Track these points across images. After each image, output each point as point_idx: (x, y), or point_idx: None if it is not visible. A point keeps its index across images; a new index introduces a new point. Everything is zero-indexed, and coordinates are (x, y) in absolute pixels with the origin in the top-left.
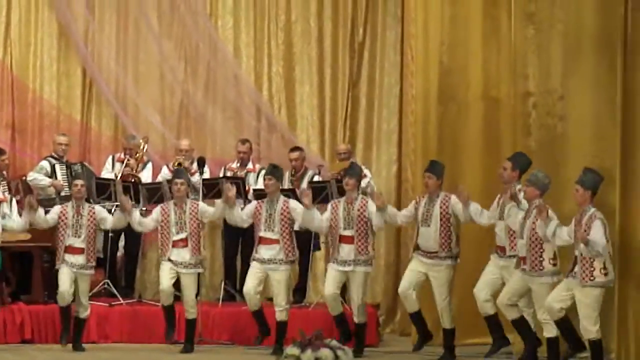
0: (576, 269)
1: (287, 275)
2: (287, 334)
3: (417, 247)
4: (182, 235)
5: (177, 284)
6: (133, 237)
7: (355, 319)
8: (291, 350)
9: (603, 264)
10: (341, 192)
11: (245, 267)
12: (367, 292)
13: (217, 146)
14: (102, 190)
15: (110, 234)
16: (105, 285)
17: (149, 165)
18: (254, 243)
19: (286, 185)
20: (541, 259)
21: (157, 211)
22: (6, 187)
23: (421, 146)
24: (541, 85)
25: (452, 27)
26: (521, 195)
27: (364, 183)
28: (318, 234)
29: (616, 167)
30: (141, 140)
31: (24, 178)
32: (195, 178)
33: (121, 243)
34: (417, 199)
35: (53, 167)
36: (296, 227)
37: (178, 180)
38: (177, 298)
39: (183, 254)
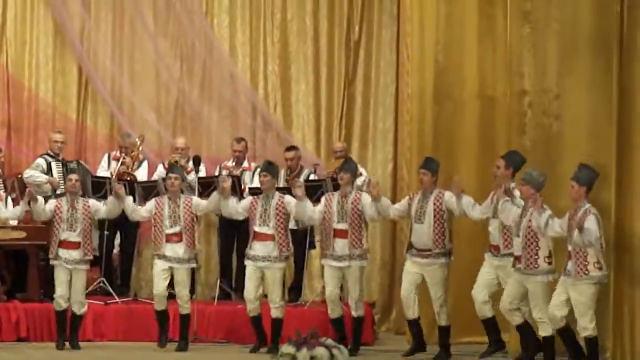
0: (569, 265)
1: (281, 273)
2: (282, 332)
3: (410, 247)
4: (176, 229)
5: (170, 282)
6: (129, 235)
7: (354, 313)
8: (287, 348)
9: (597, 258)
10: (337, 191)
11: (241, 264)
12: (363, 287)
13: (213, 145)
14: (97, 189)
15: (105, 232)
16: (101, 284)
17: (145, 163)
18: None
19: (281, 184)
20: (536, 257)
21: (151, 203)
22: (2, 185)
23: (417, 145)
24: (537, 84)
25: (447, 25)
26: (515, 194)
27: (359, 181)
28: (313, 232)
29: (612, 165)
30: (137, 139)
31: (19, 176)
32: (191, 176)
33: (117, 241)
34: (411, 195)
35: (49, 164)
36: (291, 224)
37: (172, 175)
38: (172, 296)
39: (177, 249)
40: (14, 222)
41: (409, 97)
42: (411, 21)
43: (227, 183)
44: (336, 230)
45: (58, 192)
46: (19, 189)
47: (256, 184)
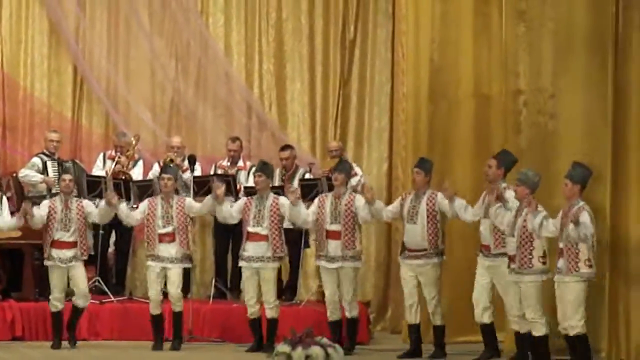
0: (560, 263)
1: (275, 273)
2: (278, 331)
3: (403, 248)
4: (169, 229)
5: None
6: (124, 234)
7: (348, 314)
8: (282, 347)
9: (588, 255)
10: (332, 190)
11: (236, 264)
12: (357, 288)
13: (208, 144)
14: (92, 188)
15: (101, 232)
16: (96, 283)
17: (140, 162)
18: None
19: (277, 183)
20: (530, 256)
21: (144, 204)
22: None
23: (412, 144)
24: (532, 83)
25: (443, 24)
26: (507, 194)
27: (354, 181)
28: (308, 231)
29: (607, 165)
30: (132, 138)
31: (14, 175)
32: (187, 175)
33: (112, 240)
34: (403, 196)
35: (45, 163)
36: (286, 223)
37: (165, 176)
38: (166, 295)
39: (169, 249)
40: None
41: (404, 96)
42: (406, 20)
43: (221, 189)
44: (329, 232)
45: (53, 191)
46: (14, 188)
47: (251, 183)
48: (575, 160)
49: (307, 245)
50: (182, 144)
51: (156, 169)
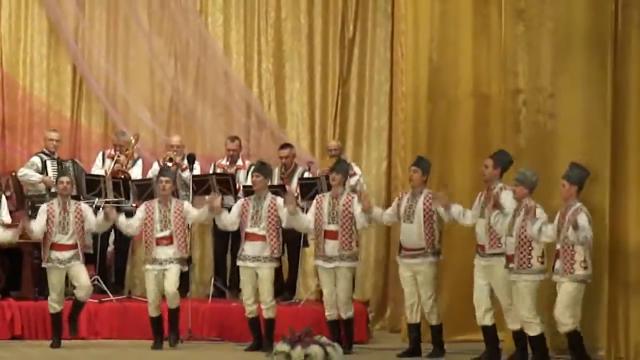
0: (557, 264)
1: (272, 273)
2: (275, 330)
3: (400, 248)
4: (166, 233)
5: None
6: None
7: (343, 315)
8: (281, 347)
9: (584, 257)
10: (331, 189)
11: (235, 263)
12: (353, 288)
13: (207, 143)
14: (92, 187)
15: None
16: (95, 282)
17: (139, 162)
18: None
19: (276, 182)
20: (529, 256)
21: (141, 209)
22: None
23: (411, 143)
24: (531, 82)
25: (442, 24)
26: (503, 195)
27: (353, 180)
28: None
29: (606, 165)
30: (131, 137)
31: (14, 174)
32: (186, 174)
33: (111, 239)
34: (400, 196)
35: (44, 163)
36: (284, 225)
37: (163, 179)
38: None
39: (167, 251)
40: (8, 220)
41: (404, 95)
42: (405, 19)
43: (217, 202)
44: (327, 232)
45: (53, 190)
46: (14, 187)
47: (250, 182)
48: (574, 160)
49: (306, 245)
50: (181, 143)
51: (155, 168)
